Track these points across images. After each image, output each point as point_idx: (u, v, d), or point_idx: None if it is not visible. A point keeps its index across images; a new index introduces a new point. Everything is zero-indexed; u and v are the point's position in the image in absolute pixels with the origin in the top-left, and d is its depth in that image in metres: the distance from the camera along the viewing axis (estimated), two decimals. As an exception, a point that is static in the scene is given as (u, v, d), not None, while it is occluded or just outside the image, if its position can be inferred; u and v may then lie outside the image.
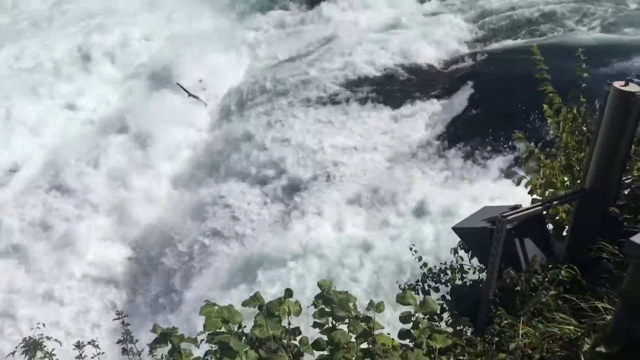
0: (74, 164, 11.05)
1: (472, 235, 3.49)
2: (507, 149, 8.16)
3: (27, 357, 2.60)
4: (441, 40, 12.02)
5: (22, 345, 2.65)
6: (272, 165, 9.45)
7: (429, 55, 11.65)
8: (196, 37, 15.15)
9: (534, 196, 3.79)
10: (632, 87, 2.92)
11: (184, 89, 12.63)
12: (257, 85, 12.13)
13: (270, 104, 11.22)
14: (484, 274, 3.35)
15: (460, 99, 10.04)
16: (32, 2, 17.66)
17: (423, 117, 10.09)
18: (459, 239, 3.61)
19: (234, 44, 14.60)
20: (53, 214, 10.12)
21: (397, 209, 7.86)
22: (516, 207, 3.21)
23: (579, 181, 3.54)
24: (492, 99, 9.63)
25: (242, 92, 12.29)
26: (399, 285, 3.39)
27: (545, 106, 3.65)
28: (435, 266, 3.65)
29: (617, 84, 2.94)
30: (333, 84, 11.21)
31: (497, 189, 7.39)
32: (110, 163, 10.94)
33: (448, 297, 3.41)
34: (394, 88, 10.99)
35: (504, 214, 3.09)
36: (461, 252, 3.62)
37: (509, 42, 11.54)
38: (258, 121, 10.85)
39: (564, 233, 3.62)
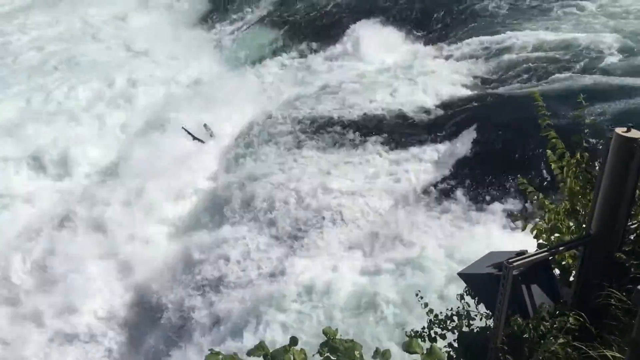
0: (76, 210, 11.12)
1: (478, 281, 3.46)
2: (512, 194, 8.15)
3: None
4: (444, 84, 12.16)
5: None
6: (275, 209, 9.45)
7: (432, 98, 11.77)
8: (201, 83, 15.42)
9: (540, 241, 3.77)
10: (634, 134, 2.94)
11: (189, 133, 12.77)
12: (261, 128, 12.25)
13: (275, 147, 11.31)
14: (491, 320, 3.30)
15: (464, 142, 10.08)
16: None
17: (427, 160, 10.13)
18: (465, 285, 3.58)
19: (239, 88, 14.84)
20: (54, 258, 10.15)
21: (400, 253, 7.81)
22: (522, 252, 3.19)
23: (584, 226, 3.53)
24: (496, 142, 9.67)
25: (246, 135, 12.40)
26: (405, 333, 3.34)
27: (549, 151, 3.68)
28: (441, 312, 3.61)
29: (619, 130, 2.96)
30: (337, 127, 11.31)
31: (502, 233, 7.35)
32: (112, 208, 10.99)
33: (455, 345, 3.36)
34: (398, 131, 11.05)
35: (510, 260, 3.07)
36: (467, 298, 3.59)
37: (512, 86, 11.66)
38: (262, 164, 10.91)
39: (571, 278, 3.59)
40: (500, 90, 11.60)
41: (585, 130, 3.75)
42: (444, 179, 9.40)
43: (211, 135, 12.96)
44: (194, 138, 12.75)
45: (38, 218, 11.30)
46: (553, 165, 3.65)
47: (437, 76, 12.30)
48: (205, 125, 13.13)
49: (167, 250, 9.97)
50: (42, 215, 11.40)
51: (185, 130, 12.88)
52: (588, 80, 10.52)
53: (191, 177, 11.64)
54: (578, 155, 3.61)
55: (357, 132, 10.94)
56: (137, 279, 9.69)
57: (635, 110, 8.57)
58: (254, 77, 15.23)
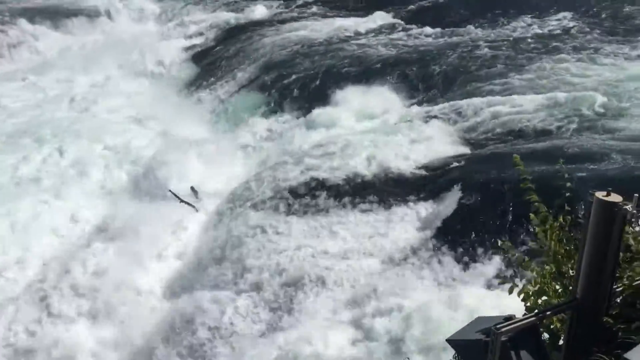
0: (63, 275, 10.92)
1: (466, 348, 3.42)
2: (498, 255, 8.16)
3: None
4: (427, 145, 12.34)
5: None
6: (260, 272, 9.37)
7: (415, 159, 11.91)
8: (190, 144, 15.53)
9: (528, 304, 3.76)
10: (614, 197, 2.99)
11: (176, 196, 12.77)
12: (247, 191, 12.28)
13: (261, 210, 11.30)
14: (481, 388, 3.24)
15: (450, 202, 10.16)
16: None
17: (412, 221, 10.17)
18: (453, 351, 3.54)
19: (228, 150, 14.96)
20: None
21: (387, 318, 7.71)
22: (510, 317, 3.17)
23: (571, 288, 3.53)
24: (480, 203, 9.75)
25: (232, 198, 12.41)
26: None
27: (531, 215, 3.72)
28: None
29: (600, 195, 3.01)
30: (323, 189, 11.37)
31: (489, 296, 7.32)
32: (99, 269, 10.83)
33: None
34: (382, 192, 11.13)
35: (498, 326, 3.05)
36: (458, 365, 3.54)
37: (496, 146, 11.85)
38: (247, 227, 10.87)
39: (560, 342, 3.56)
40: (484, 150, 11.79)
41: (567, 194, 3.81)
42: (429, 240, 9.42)
43: (198, 198, 12.97)
44: (181, 201, 12.73)
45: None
46: (537, 229, 3.68)
47: (420, 137, 12.49)
48: (192, 187, 13.15)
49: (149, 316, 9.77)
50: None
51: (172, 193, 12.88)
52: (569, 140, 10.75)
53: (176, 239, 11.56)
54: (561, 219, 3.65)
55: (342, 194, 11.00)
56: (118, 342, 9.45)
57: (616, 171, 8.73)
58: (240, 140, 15.37)
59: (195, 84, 20.71)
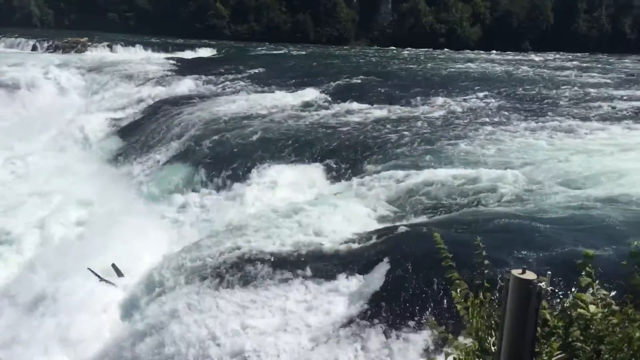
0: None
1: None
2: (427, 329, 8.19)
3: None
4: (356, 218, 12.49)
5: None
6: (187, 354, 8.97)
7: (344, 232, 12.00)
8: (112, 219, 15.08)
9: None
10: (529, 275, 3.09)
11: (95, 274, 12.21)
12: (175, 266, 11.93)
13: (186, 286, 10.95)
14: None
15: (378, 276, 10.20)
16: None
17: (343, 295, 10.10)
18: None
19: (152, 225, 14.59)
20: None
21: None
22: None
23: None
24: (409, 276, 9.83)
25: (157, 274, 11.99)
26: None
27: (453, 292, 3.79)
28: None
29: (515, 272, 3.11)
30: (251, 263, 11.19)
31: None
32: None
33: None
34: (312, 265, 11.06)
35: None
36: None
37: (419, 219, 12.15)
38: (172, 304, 10.48)
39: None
40: (408, 223, 12.03)
41: (486, 271, 3.91)
42: (359, 314, 9.35)
43: (119, 276, 12.44)
44: (101, 279, 12.17)
45: None
46: (459, 307, 3.74)
47: (346, 211, 12.64)
48: (113, 264, 12.63)
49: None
50: None
51: (91, 271, 12.31)
52: (487, 214, 11.15)
53: (95, 321, 10.97)
54: (481, 296, 3.74)
55: (269, 270, 10.85)
56: None
57: (533, 246, 9.08)
58: (165, 215, 15.08)
59: (119, 157, 20.36)
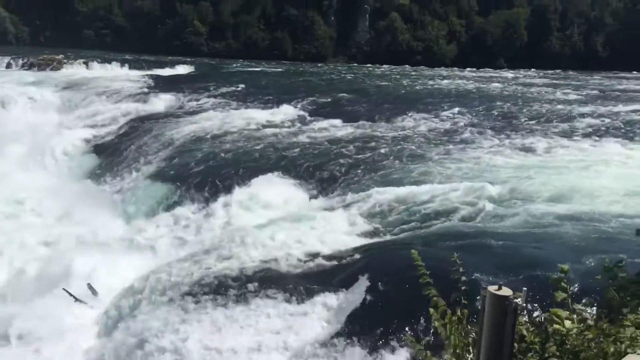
0: None
1: None
2: (406, 347, 8.18)
3: None
4: (335, 235, 12.48)
5: None
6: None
7: (323, 249, 11.97)
8: (89, 238, 14.88)
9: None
10: (505, 291, 3.12)
11: (70, 294, 12.00)
12: (150, 286, 11.77)
13: (163, 306, 10.81)
14: None
15: (357, 292, 10.18)
16: None
17: (322, 313, 10.05)
18: None
19: (130, 244, 14.42)
20: None
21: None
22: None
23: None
24: (388, 293, 9.84)
25: (133, 294, 11.82)
26: None
27: (431, 309, 3.80)
28: None
29: (492, 289, 3.13)
30: (230, 281, 11.10)
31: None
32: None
33: None
34: (291, 283, 11.00)
35: None
36: None
37: (400, 235, 12.19)
38: (149, 324, 10.32)
39: None
40: (387, 238, 12.08)
41: (463, 287, 3.93)
42: (339, 332, 9.31)
43: (95, 295, 12.24)
44: (76, 299, 11.96)
45: None
46: (437, 323, 3.75)
47: (326, 228, 12.64)
48: (88, 284, 12.42)
49: None
50: None
51: (66, 291, 12.09)
52: (464, 228, 11.25)
53: (69, 341, 10.76)
54: (459, 312, 3.75)
55: (247, 288, 10.77)
56: None
57: (508, 261, 9.17)
58: (142, 233, 14.90)
59: (96, 175, 20.13)
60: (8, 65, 46.70)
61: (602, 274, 4.14)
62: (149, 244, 14.43)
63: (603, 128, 21.33)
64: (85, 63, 47.87)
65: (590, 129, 21.15)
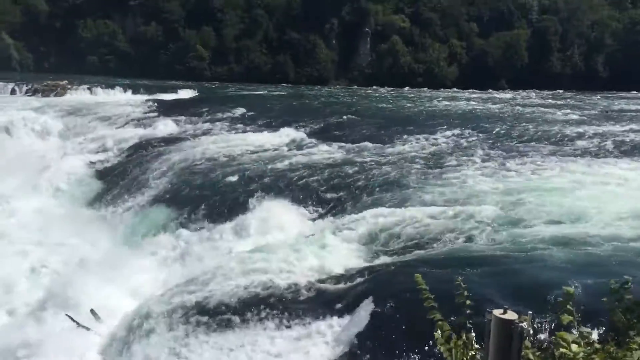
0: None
1: None
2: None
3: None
4: (338, 257, 12.42)
5: None
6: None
7: (327, 272, 11.92)
8: (92, 263, 14.85)
9: None
10: (510, 315, 3.09)
11: (73, 320, 11.94)
12: (154, 311, 11.72)
13: (166, 332, 10.75)
14: None
15: (361, 316, 10.10)
16: None
17: (327, 337, 9.97)
18: None
19: (132, 268, 14.38)
20: None
21: None
22: None
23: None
24: (393, 315, 9.76)
25: (137, 319, 11.76)
26: None
27: (436, 334, 3.77)
28: None
29: (497, 313, 3.11)
30: (234, 305, 11.03)
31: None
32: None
33: None
34: (295, 307, 10.94)
35: None
36: None
37: (401, 257, 12.12)
38: (154, 350, 10.28)
39: None
40: (390, 261, 12.01)
41: (468, 311, 3.90)
42: (344, 355, 9.23)
43: (98, 321, 12.17)
44: (79, 325, 11.90)
45: None
46: (442, 348, 3.72)
47: (328, 250, 12.59)
48: (91, 310, 12.36)
49: None
50: None
51: (69, 317, 12.04)
52: (468, 250, 11.20)
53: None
54: (464, 337, 3.72)
55: (252, 312, 10.72)
56: None
57: (513, 283, 9.11)
58: (146, 257, 14.87)
59: (99, 200, 20.17)
60: (12, 92, 47.05)
61: (608, 296, 4.11)
62: (151, 269, 14.40)
63: (605, 148, 21.36)
64: (89, 88, 48.21)
65: (591, 149, 21.18)
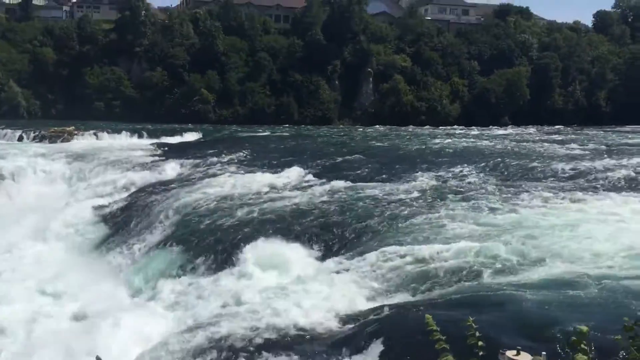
0: None
1: None
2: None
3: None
4: (346, 298, 12.29)
5: None
6: None
7: (334, 311, 11.78)
8: (95, 312, 14.74)
9: None
10: (524, 357, 3.02)
11: (80, 368, 11.78)
12: (162, 355, 11.57)
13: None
14: None
15: (372, 357, 9.97)
16: None
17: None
18: None
19: (137, 315, 14.24)
20: None
21: None
22: None
23: None
24: (403, 356, 9.63)
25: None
26: None
27: (449, 377, 3.69)
28: None
29: (510, 354, 3.04)
30: (243, 350, 10.90)
31: None
32: None
33: None
34: (299, 349, 10.79)
35: None
36: None
37: (409, 296, 12.02)
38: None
39: None
40: (398, 300, 11.88)
41: (480, 353, 3.82)
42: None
43: (104, 367, 11.98)
44: (85, 373, 11.72)
45: None
46: (455, 390, 3.63)
47: (336, 291, 12.47)
48: (97, 357, 12.18)
49: None
50: None
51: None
52: (478, 289, 11.07)
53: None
54: (477, 378, 3.63)
55: (262, 354, 10.56)
56: None
57: (525, 322, 8.97)
58: (152, 302, 14.74)
59: (105, 245, 20.12)
60: (20, 138, 47.51)
61: (621, 334, 4.02)
62: (157, 312, 14.25)
63: (613, 183, 21.31)
64: (95, 134, 48.63)
65: (596, 184, 21.15)
